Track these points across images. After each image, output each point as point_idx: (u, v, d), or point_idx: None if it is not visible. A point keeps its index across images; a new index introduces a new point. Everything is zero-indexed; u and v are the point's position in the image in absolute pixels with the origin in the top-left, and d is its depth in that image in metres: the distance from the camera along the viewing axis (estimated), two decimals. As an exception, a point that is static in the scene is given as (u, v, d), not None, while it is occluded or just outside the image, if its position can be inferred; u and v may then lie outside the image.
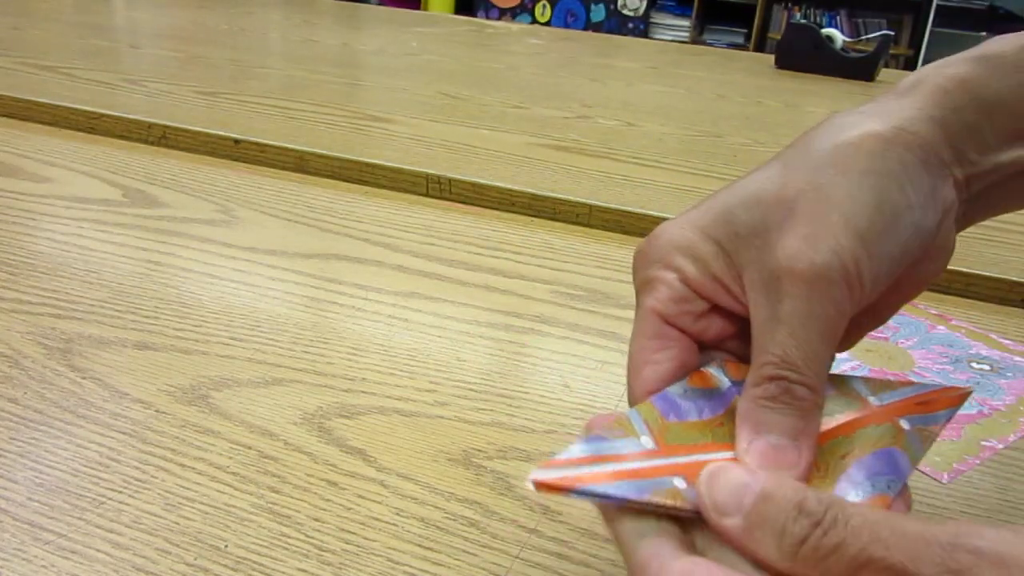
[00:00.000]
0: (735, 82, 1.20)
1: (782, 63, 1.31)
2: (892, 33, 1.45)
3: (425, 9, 3.81)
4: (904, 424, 0.25)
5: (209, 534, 0.30)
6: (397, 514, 0.31)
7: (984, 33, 3.97)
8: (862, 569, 0.19)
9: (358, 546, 0.30)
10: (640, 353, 0.27)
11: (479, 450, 0.35)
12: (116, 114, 0.74)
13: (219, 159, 0.71)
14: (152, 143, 0.73)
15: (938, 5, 3.83)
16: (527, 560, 0.30)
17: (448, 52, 1.31)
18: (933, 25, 3.87)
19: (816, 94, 1.16)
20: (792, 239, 0.24)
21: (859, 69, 1.26)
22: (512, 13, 3.92)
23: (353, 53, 1.24)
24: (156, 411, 0.36)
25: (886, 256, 0.24)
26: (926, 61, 3.96)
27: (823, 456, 0.24)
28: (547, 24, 3.82)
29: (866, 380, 0.27)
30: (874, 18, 3.92)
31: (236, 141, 0.70)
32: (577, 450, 0.23)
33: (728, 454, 0.24)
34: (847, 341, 0.28)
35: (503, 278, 0.52)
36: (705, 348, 0.27)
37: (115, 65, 1.02)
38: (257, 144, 0.70)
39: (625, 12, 3.78)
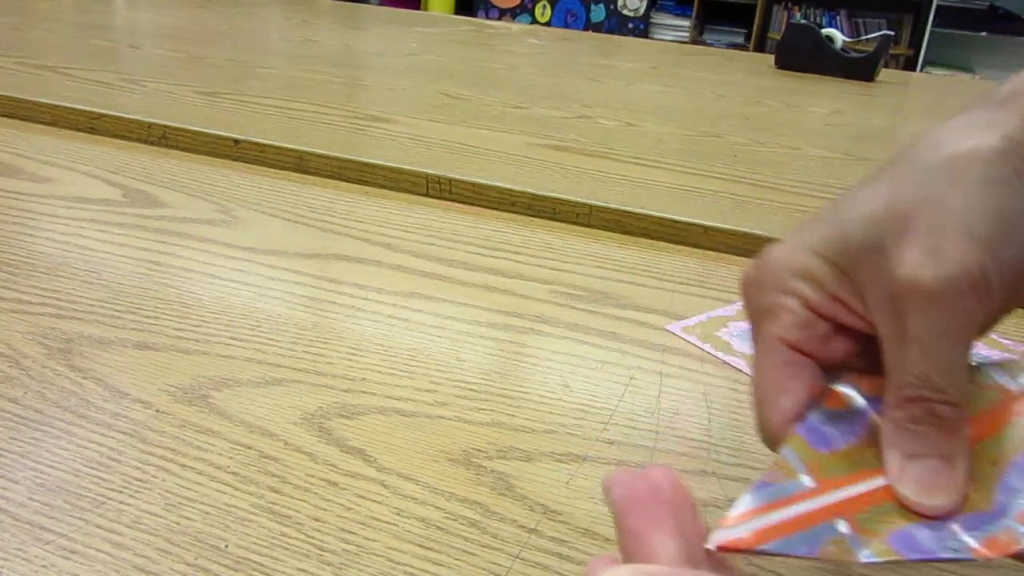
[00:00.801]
0: (735, 82, 1.20)
1: (782, 63, 1.31)
2: (892, 33, 1.45)
3: (425, 9, 3.81)
4: None
5: (209, 534, 0.30)
6: (397, 514, 0.31)
7: (984, 33, 3.97)
8: None
9: (358, 546, 0.30)
10: (773, 384, 0.26)
11: (479, 450, 0.35)
12: (116, 114, 0.74)
13: (219, 159, 0.71)
14: (152, 143, 0.73)
15: (938, 5, 3.83)
16: (527, 560, 0.30)
17: (448, 52, 1.31)
18: (933, 25, 3.87)
19: (816, 94, 1.16)
20: (913, 253, 0.23)
21: (859, 69, 1.26)
22: (512, 13, 3.92)
23: (353, 53, 1.24)
24: (156, 411, 0.36)
25: (1010, 262, 0.23)
26: (926, 61, 3.96)
27: (973, 467, 0.23)
28: (547, 24, 3.82)
29: (1000, 364, 0.25)
30: (874, 18, 3.92)
31: (236, 141, 0.70)
32: (748, 501, 0.23)
33: (880, 480, 0.24)
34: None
35: (503, 278, 0.52)
36: (830, 369, 0.27)
37: (115, 65, 1.02)
38: (257, 144, 0.70)
39: (625, 12, 3.78)
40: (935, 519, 0.23)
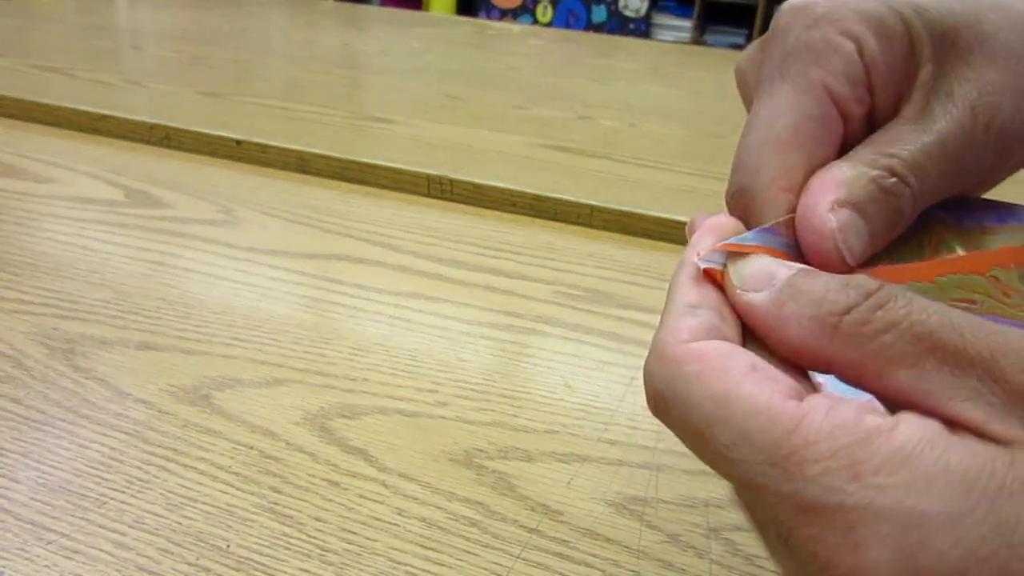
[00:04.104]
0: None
1: (783, 64, 1.31)
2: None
3: (426, 10, 3.81)
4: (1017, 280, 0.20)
5: (211, 534, 0.30)
6: (399, 514, 0.31)
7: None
8: (928, 354, 0.15)
9: (360, 546, 0.30)
10: (795, 133, 0.20)
11: (480, 450, 0.35)
12: (118, 115, 0.75)
13: (221, 160, 0.71)
14: (154, 144, 0.73)
15: (939, 6, 3.83)
16: (528, 560, 0.30)
17: (449, 53, 1.32)
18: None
19: (817, 95, 1.16)
20: (977, 83, 0.20)
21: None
22: (513, 14, 3.92)
23: (355, 54, 1.25)
24: (158, 411, 0.37)
25: None
26: (927, 62, 3.95)
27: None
28: (548, 25, 3.82)
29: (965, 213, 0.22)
30: (875, 19, 3.91)
31: (238, 142, 0.70)
32: (748, 237, 0.19)
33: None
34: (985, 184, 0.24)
35: (504, 278, 0.52)
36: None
37: (117, 66, 1.02)
38: (259, 145, 0.70)
39: (626, 13, 3.78)
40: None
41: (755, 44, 0.23)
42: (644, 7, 3.78)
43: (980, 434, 0.14)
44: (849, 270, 0.20)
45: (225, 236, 0.55)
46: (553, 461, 0.35)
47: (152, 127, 0.73)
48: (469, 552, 0.30)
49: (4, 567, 0.28)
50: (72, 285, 0.47)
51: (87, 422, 0.36)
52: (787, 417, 0.15)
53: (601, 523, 0.32)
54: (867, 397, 0.16)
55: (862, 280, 0.16)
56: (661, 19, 3.84)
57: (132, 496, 0.32)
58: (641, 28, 3.80)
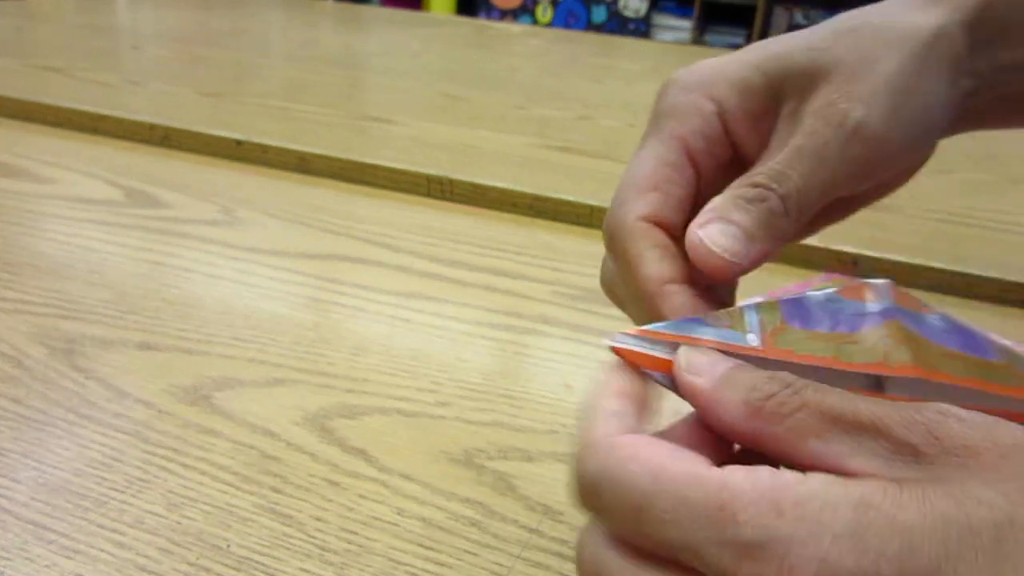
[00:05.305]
0: (736, 83, 1.20)
1: (783, 64, 1.31)
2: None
3: (426, 10, 3.81)
4: None
5: (211, 534, 0.30)
6: (399, 514, 0.31)
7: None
8: (832, 425, 0.18)
9: (360, 546, 0.30)
10: (652, 175, 0.25)
11: (480, 450, 0.35)
12: (118, 115, 0.75)
13: (221, 160, 0.71)
14: (154, 144, 0.74)
15: (939, 6, 3.83)
16: (528, 560, 0.30)
17: (449, 53, 1.32)
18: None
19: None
20: (833, 94, 0.24)
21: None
22: (513, 14, 3.92)
23: (355, 54, 1.25)
24: (158, 411, 0.37)
25: (908, 139, 0.24)
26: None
27: None
28: (548, 25, 3.82)
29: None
30: (875, 19, 3.91)
31: (238, 142, 0.70)
32: (666, 326, 0.22)
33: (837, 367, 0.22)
34: (820, 218, 0.28)
35: (504, 278, 0.52)
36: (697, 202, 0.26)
37: (117, 66, 1.02)
38: (259, 145, 0.70)
39: (626, 13, 3.78)
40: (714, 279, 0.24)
41: (683, 69, 0.27)
42: (644, 7, 3.78)
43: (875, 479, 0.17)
44: (741, 269, 0.23)
45: (225, 236, 0.55)
46: (553, 461, 0.35)
47: (152, 127, 0.74)
48: (469, 552, 0.30)
49: (4, 567, 0.28)
50: (72, 285, 0.47)
51: (87, 422, 0.36)
52: (715, 478, 0.17)
53: (601, 523, 0.32)
54: None
55: (784, 375, 0.20)
56: (661, 19, 3.84)
57: (132, 496, 0.32)
58: (641, 28, 3.80)
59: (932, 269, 0.54)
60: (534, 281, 0.52)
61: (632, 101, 1.01)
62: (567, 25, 3.83)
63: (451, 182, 0.65)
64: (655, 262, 0.24)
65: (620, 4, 3.80)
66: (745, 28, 3.78)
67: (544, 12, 3.91)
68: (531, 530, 0.31)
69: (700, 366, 0.21)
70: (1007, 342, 0.24)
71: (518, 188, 0.63)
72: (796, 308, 0.23)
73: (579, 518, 0.32)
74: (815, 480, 0.17)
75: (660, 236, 0.25)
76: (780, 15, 3.84)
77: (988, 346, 0.23)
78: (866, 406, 0.18)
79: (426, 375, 0.41)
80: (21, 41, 1.12)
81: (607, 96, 1.03)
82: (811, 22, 1.32)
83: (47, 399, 0.37)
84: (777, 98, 0.25)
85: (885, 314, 0.23)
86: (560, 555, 0.30)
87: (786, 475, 0.17)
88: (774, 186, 0.24)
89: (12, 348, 0.41)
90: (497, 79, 1.11)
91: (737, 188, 0.24)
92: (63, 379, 0.38)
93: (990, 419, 0.18)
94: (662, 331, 0.22)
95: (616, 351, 0.22)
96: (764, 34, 3.85)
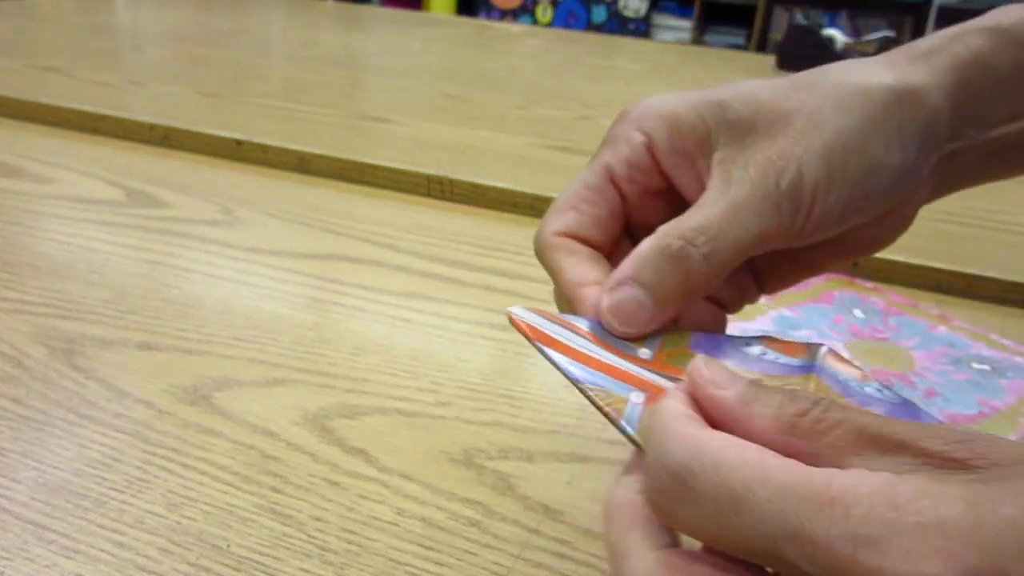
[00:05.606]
0: (736, 83, 1.20)
1: (783, 64, 1.31)
2: (893, 34, 1.45)
3: (426, 10, 3.81)
4: None
5: (211, 534, 0.30)
6: (399, 514, 0.31)
7: (985, 34, 3.96)
8: (869, 444, 0.18)
9: (360, 546, 0.30)
10: (572, 197, 0.27)
11: (480, 450, 0.35)
12: (118, 115, 0.75)
13: (221, 160, 0.71)
14: (154, 144, 0.74)
15: (939, 6, 3.83)
16: (529, 560, 0.30)
17: (449, 53, 1.32)
18: (934, 26, 3.87)
19: (817, 95, 1.16)
20: (770, 150, 0.25)
21: (860, 70, 1.26)
22: (513, 14, 3.92)
23: (354, 54, 1.25)
24: (158, 411, 0.37)
25: (845, 200, 0.25)
26: (927, 62, 3.95)
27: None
28: (548, 25, 3.82)
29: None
30: (875, 19, 3.92)
31: (238, 142, 0.70)
32: (573, 318, 0.24)
33: None
34: (774, 279, 0.29)
35: (504, 279, 0.52)
36: (630, 230, 0.28)
37: (117, 66, 1.02)
38: (259, 145, 0.70)
39: (626, 13, 3.78)
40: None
41: (631, 104, 0.29)
42: (644, 7, 3.78)
43: None
44: (652, 330, 0.25)
45: (225, 236, 0.55)
46: (553, 461, 0.35)
47: (152, 127, 0.74)
48: (469, 552, 0.30)
49: (4, 567, 0.28)
50: (72, 285, 0.47)
51: (87, 422, 0.36)
52: (821, 473, 0.17)
53: (601, 523, 0.32)
54: None
55: (806, 392, 0.20)
56: (661, 19, 3.84)
57: (132, 496, 0.32)
58: (641, 28, 3.80)
59: (932, 269, 0.54)
60: (534, 281, 0.52)
61: (632, 101, 1.01)
62: (567, 25, 3.83)
63: (451, 182, 0.65)
64: (571, 268, 0.27)
65: (620, 4, 3.80)
66: (745, 28, 3.78)
67: (544, 12, 3.91)
68: (531, 530, 0.31)
69: (724, 380, 0.21)
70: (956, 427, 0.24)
71: (518, 188, 0.63)
72: (708, 341, 0.24)
73: (579, 518, 0.32)
74: (914, 478, 0.17)
75: (576, 246, 0.27)
76: (780, 15, 3.84)
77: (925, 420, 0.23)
78: (903, 427, 0.18)
79: (426, 375, 0.41)
80: (21, 41, 1.12)
81: (607, 96, 1.03)
82: (811, 22, 1.32)
83: (47, 399, 0.37)
84: (709, 142, 0.26)
85: (806, 368, 0.24)
86: (560, 555, 0.30)
87: (884, 474, 0.17)
88: (700, 240, 0.24)
89: (12, 348, 0.41)
90: (497, 79, 1.11)
91: (662, 238, 0.25)
92: (63, 379, 0.38)
93: None
94: (567, 320, 0.24)
95: (512, 321, 0.24)
96: (764, 34, 3.85)
